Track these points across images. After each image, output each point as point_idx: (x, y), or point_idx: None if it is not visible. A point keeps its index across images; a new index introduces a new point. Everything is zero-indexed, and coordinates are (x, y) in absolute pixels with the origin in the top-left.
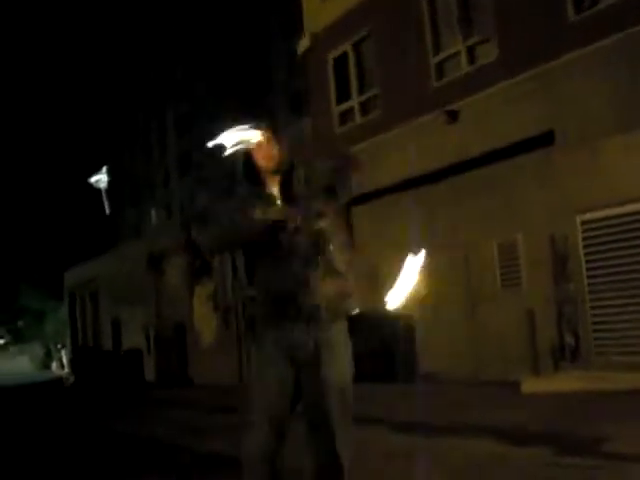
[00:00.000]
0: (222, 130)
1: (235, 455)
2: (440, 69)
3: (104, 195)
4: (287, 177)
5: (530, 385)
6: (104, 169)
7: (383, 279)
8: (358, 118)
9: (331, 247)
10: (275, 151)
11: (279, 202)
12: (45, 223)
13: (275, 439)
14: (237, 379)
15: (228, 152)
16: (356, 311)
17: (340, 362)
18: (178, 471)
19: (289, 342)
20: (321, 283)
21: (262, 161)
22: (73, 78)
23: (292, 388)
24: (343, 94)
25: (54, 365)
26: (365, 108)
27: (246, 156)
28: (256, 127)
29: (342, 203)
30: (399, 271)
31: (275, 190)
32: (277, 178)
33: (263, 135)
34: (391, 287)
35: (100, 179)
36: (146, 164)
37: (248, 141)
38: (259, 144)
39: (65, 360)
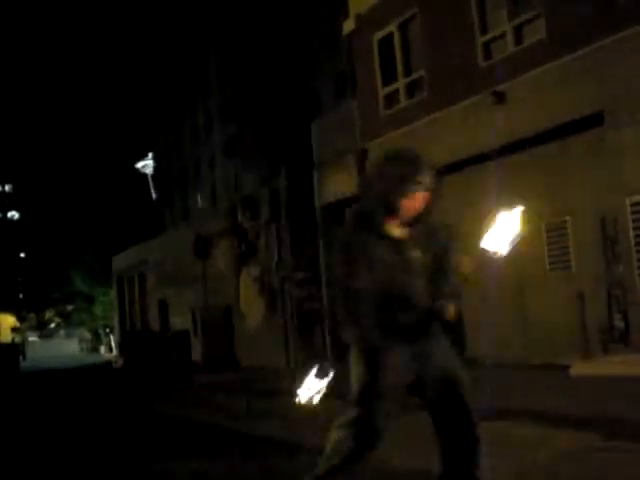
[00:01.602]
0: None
1: (284, 438)
2: (487, 49)
3: (150, 181)
4: (417, 232)
5: (579, 369)
6: (150, 155)
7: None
8: (404, 100)
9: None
10: (422, 206)
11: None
12: (93, 209)
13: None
14: (283, 362)
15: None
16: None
17: None
18: (227, 455)
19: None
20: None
21: (406, 210)
22: (120, 65)
23: None
24: (389, 76)
25: (102, 348)
26: (411, 90)
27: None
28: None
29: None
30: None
31: (396, 233)
32: (404, 226)
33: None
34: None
35: (146, 165)
36: (192, 150)
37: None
38: (414, 196)
39: (113, 343)
